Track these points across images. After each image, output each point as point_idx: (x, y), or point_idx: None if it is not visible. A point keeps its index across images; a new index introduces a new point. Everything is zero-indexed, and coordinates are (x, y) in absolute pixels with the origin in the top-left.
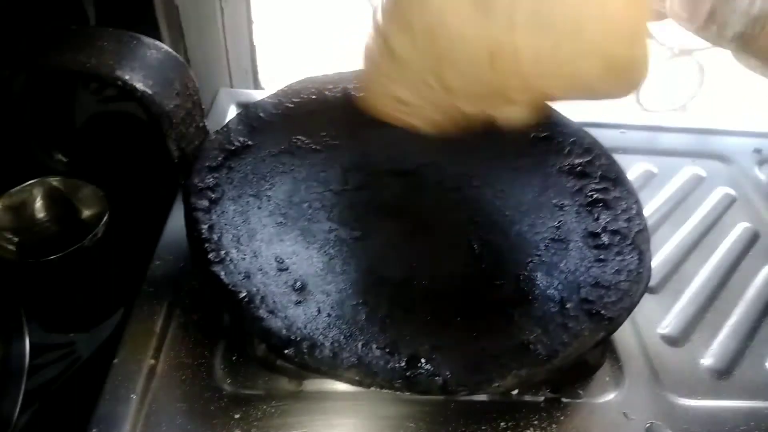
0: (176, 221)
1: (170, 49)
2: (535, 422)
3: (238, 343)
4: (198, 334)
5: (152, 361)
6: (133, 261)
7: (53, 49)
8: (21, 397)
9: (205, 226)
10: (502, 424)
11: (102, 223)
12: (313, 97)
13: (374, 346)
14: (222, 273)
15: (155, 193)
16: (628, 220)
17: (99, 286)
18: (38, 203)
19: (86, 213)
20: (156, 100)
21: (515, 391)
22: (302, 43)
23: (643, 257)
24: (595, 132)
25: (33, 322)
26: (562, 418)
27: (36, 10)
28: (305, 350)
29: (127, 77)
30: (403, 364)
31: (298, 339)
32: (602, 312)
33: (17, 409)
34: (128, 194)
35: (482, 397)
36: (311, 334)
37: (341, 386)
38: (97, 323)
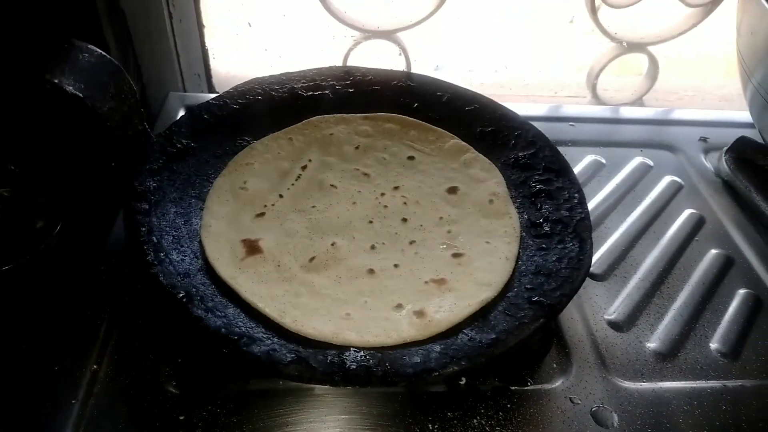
0: (121, 226)
1: (104, 53)
2: (483, 411)
3: (182, 344)
4: (142, 337)
5: (95, 366)
6: (82, 268)
7: None
8: None
9: (144, 229)
10: (449, 414)
11: (55, 232)
12: (260, 98)
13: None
14: (160, 275)
15: (105, 199)
16: (570, 209)
17: (48, 295)
18: None
19: (39, 223)
20: (88, 102)
21: (462, 381)
22: (256, 46)
23: (584, 245)
24: (545, 125)
25: None
26: (509, 405)
27: None
28: (243, 348)
29: (56, 80)
30: (342, 357)
31: (236, 337)
32: (542, 299)
33: None
34: (79, 202)
35: (434, 388)
36: (251, 332)
37: (287, 383)
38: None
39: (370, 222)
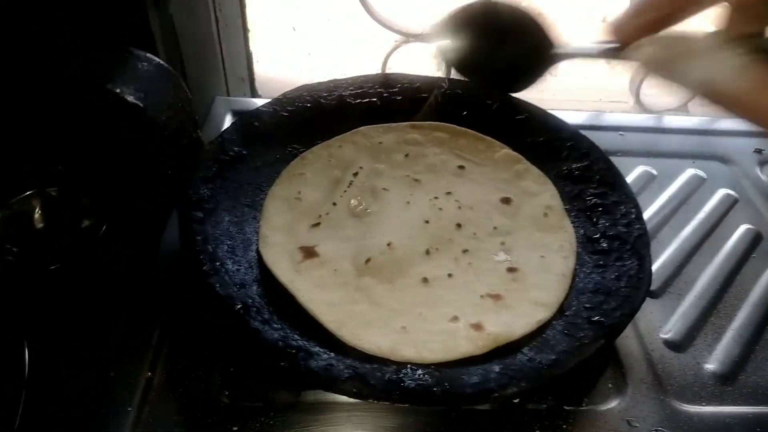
0: (173, 232)
1: (162, 62)
2: (537, 431)
3: (236, 355)
4: (195, 346)
5: (149, 374)
6: (131, 272)
7: (46, 61)
8: (21, 409)
9: (200, 238)
10: None
11: (101, 233)
12: (308, 105)
13: (371, 357)
14: (217, 285)
15: (153, 203)
16: (628, 224)
17: (97, 297)
18: (37, 214)
19: (85, 223)
20: (148, 112)
21: (516, 400)
22: (299, 49)
23: (644, 262)
24: (593, 135)
25: (33, 333)
26: (564, 426)
27: (29, 23)
28: (301, 362)
29: (118, 90)
30: (400, 375)
31: (293, 351)
32: (602, 319)
33: (17, 421)
34: (126, 204)
35: (483, 407)
36: (307, 345)
37: (340, 397)
38: (96, 334)
39: (426, 222)
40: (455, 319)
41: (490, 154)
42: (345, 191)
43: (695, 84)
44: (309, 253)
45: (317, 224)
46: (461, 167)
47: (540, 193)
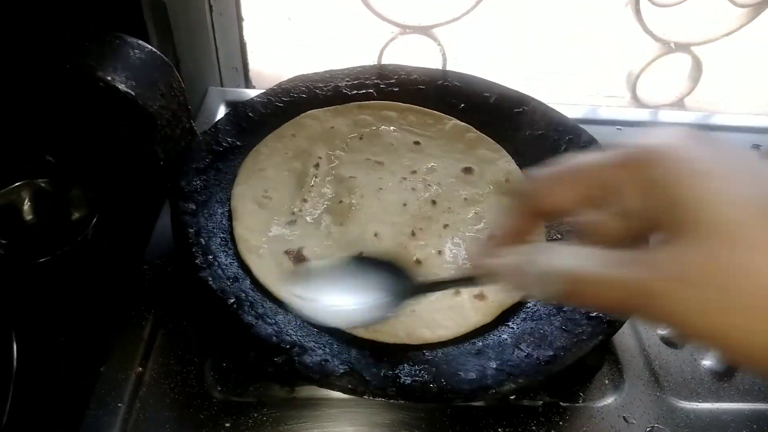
0: (165, 224)
1: (155, 49)
2: (534, 427)
3: (228, 349)
4: (187, 340)
5: (140, 369)
6: (121, 264)
7: (37, 49)
8: (9, 403)
9: (192, 230)
10: (499, 430)
11: (91, 225)
12: (304, 95)
13: (367, 352)
14: (209, 278)
15: (145, 195)
16: None
17: (88, 290)
18: (27, 205)
19: (75, 215)
20: (140, 101)
21: (512, 396)
22: (294, 40)
23: None
24: (590, 129)
25: (21, 326)
26: (561, 422)
27: (19, 11)
28: (295, 357)
29: (109, 78)
30: (396, 371)
31: (287, 346)
32: (601, 315)
33: (5, 416)
34: (117, 195)
35: (479, 403)
36: (302, 340)
37: (334, 392)
38: (85, 328)
39: (404, 205)
40: (458, 293)
41: (441, 127)
42: (312, 185)
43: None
44: (298, 258)
45: (293, 221)
46: (417, 143)
47: (496, 160)
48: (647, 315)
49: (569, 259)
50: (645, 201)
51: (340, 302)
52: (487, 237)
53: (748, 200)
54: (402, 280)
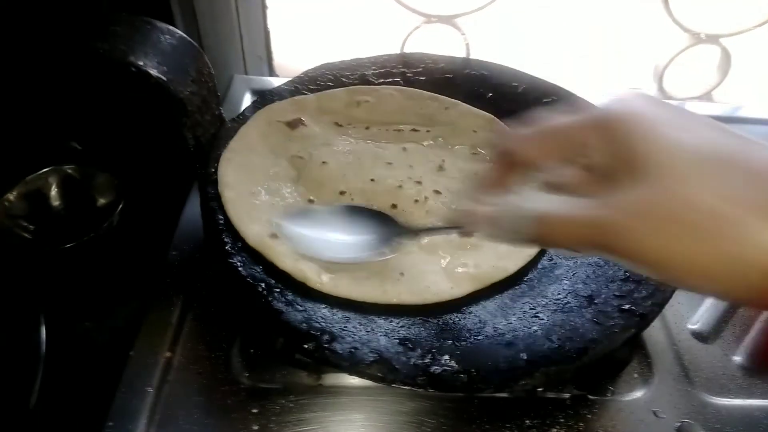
0: (193, 210)
1: (185, 35)
2: (562, 420)
3: (257, 335)
4: (215, 326)
5: (169, 354)
6: (148, 250)
7: (65, 34)
8: (38, 387)
9: (222, 216)
10: (527, 421)
11: (117, 211)
12: (330, 84)
13: (396, 340)
14: (239, 264)
15: (171, 182)
16: None
17: (115, 275)
18: (54, 191)
19: (101, 201)
20: (171, 87)
21: (541, 388)
22: (317, 29)
23: None
24: None
25: (49, 311)
26: (589, 416)
27: None
28: (325, 345)
29: (140, 63)
30: (426, 360)
31: (317, 333)
32: (633, 308)
33: (34, 398)
34: (144, 182)
35: (505, 394)
36: (331, 327)
37: (361, 380)
38: (113, 313)
39: (389, 164)
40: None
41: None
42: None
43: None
44: None
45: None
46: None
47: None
48: (611, 250)
49: (540, 203)
50: (608, 154)
51: (334, 237)
52: (471, 186)
53: (690, 146)
54: (391, 225)
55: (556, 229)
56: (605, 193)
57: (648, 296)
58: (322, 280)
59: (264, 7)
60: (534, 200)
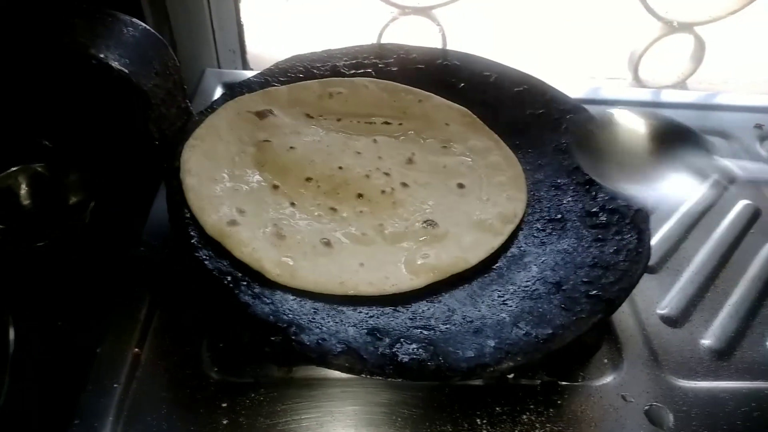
0: (161, 205)
1: (149, 27)
2: (532, 406)
3: (225, 329)
4: (184, 321)
5: (136, 350)
6: (120, 247)
7: (26, 27)
8: (5, 386)
9: (188, 210)
10: (497, 409)
11: (89, 209)
12: (301, 75)
13: (364, 330)
14: (205, 258)
15: (140, 177)
16: (627, 198)
17: (85, 273)
18: (23, 190)
19: (72, 199)
20: (133, 79)
21: (511, 375)
22: (292, 22)
23: (643, 236)
24: (591, 109)
25: (18, 310)
26: (559, 401)
27: None
28: (292, 337)
29: (102, 55)
30: (394, 349)
31: (284, 326)
32: (600, 293)
33: (2, 399)
34: (114, 179)
35: (477, 382)
36: (299, 319)
37: (332, 372)
38: (83, 311)
39: (358, 153)
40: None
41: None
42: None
43: None
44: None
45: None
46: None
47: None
48: None
49: None
50: None
51: None
52: None
53: None
54: None
55: None
56: None
57: (615, 281)
58: (278, 270)
59: (237, 1)
60: None
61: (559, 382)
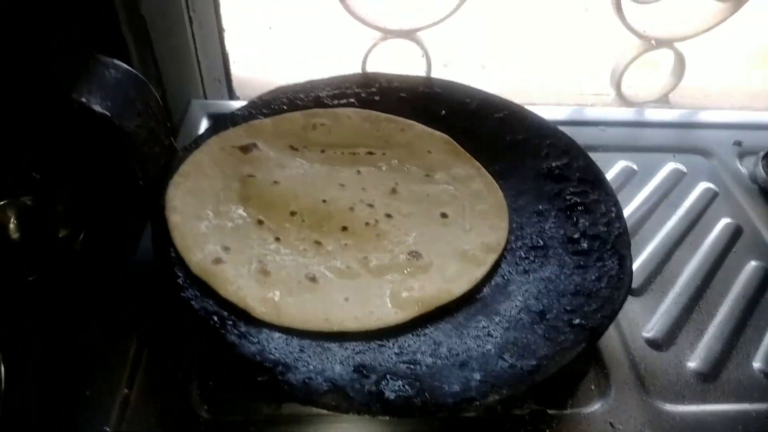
0: (148, 242)
1: (129, 68)
2: None
3: (213, 368)
4: (173, 360)
5: (126, 391)
6: (109, 282)
7: (11, 69)
8: None
9: (174, 249)
10: None
11: (78, 241)
12: (285, 107)
13: (351, 367)
14: (192, 298)
15: (130, 212)
16: (608, 223)
17: (75, 308)
18: (12, 224)
19: (62, 232)
20: (116, 121)
21: (498, 407)
22: (276, 49)
23: (624, 262)
24: (573, 130)
25: (8, 347)
26: (547, 430)
27: None
28: (279, 377)
29: (83, 99)
30: (380, 386)
31: (271, 366)
32: (583, 322)
33: None
34: (103, 213)
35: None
36: (285, 358)
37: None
38: (71, 349)
39: (341, 185)
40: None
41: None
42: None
43: None
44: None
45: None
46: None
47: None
48: None
49: None
50: None
51: None
52: None
53: None
54: None
55: None
56: None
57: (598, 309)
58: (263, 308)
59: (221, 30)
60: None
61: (548, 411)
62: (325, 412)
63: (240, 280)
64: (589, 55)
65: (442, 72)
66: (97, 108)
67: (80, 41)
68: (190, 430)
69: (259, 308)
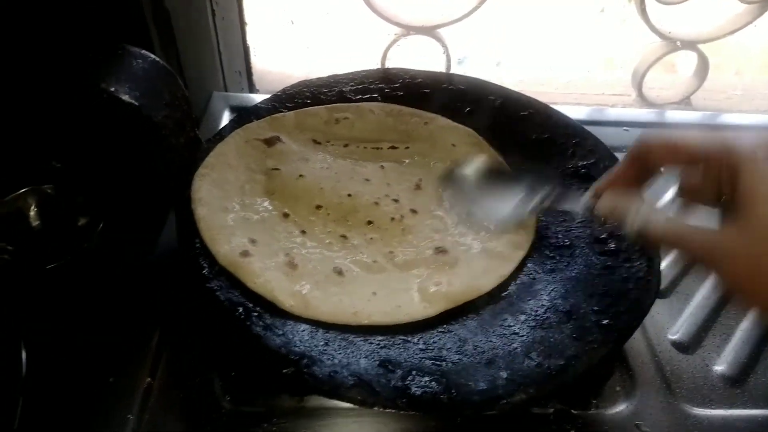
0: (172, 232)
1: (158, 59)
2: None
3: (237, 359)
4: (196, 350)
5: (149, 379)
6: (129, 271)
7: (39, 59)
8: (18, 414)
9: (199, 240)
10: None
11: (97, 231)
12: (308, 101)
13: (376, 362)
14: (217, 289)
15: (151, 202)
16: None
17: (95, 297)
18: (33, 211)
19: (81, 221)
20: (143, 111)
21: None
22: (297, 43)
23: (652, 263)
24: (598, 130)
25: (29, 335)
26: (572, 430)
27: (23, 21)
28: (304, 369)
29: (112, 89)
30: (406, 381)
31: (296, 358)
32: (611, 323)
33: (16, 422)
34: (124, 202)
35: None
36: (310, 351)
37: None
38: (94, 336)
39: (366, 180)
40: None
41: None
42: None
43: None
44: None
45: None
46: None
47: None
48: (710, 269)
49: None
50: (722, 183)
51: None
52: (606, 180)
53: None
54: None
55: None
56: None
57: (626, 310)
58: (291, 301)
59: (243, 24)
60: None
61: (572, 411)
62: (346, 406)
63: (267, 273)
64: (610, 56)
65: (457, 69)
66: (126, 98)
67: (107, 32)
68: (212, 420)
69: (287, 301)
